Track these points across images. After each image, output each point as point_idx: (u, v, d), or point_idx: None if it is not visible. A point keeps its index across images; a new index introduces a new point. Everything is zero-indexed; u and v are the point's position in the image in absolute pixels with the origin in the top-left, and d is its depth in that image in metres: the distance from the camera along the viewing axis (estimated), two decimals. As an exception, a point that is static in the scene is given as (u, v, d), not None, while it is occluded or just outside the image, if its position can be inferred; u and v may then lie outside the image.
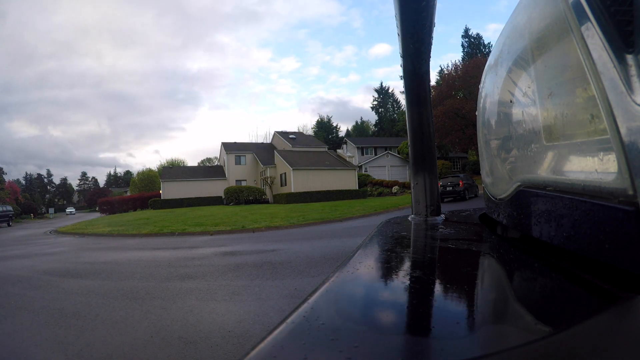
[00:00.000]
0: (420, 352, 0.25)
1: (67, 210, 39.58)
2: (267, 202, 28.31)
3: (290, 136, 36.21)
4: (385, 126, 60.06)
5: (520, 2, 0.51)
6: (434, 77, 40.84)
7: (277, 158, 30.41)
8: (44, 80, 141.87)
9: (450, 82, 36.51)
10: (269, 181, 30.75)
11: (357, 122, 68.36)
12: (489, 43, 46.19)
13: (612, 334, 0.21)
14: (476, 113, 0.79)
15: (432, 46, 0.86)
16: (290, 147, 32.60)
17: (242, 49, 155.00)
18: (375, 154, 41.65)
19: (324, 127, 61.95)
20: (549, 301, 0.33)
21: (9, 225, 26.91)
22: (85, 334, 2.99)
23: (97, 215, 36.00)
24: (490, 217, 0.77)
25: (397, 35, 0.80)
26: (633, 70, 0.27)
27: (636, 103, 0.25)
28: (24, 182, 78.22)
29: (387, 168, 39.15)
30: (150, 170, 49.08)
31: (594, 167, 0.31)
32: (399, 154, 39.83)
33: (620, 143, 0.27)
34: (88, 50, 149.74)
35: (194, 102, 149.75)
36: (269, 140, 42.38)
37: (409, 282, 0.43)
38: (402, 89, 1.11)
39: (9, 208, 28.16)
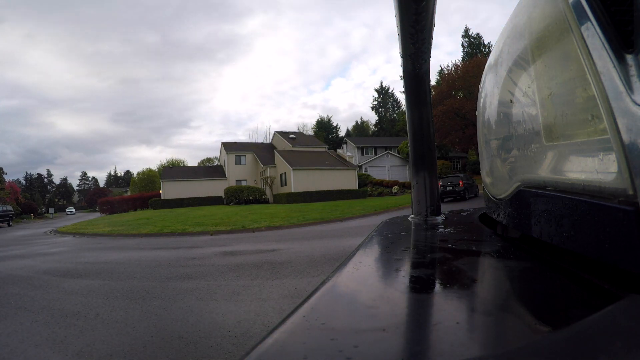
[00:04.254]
0: (420, 352, 0.25)
1: (67, 210, 39.45)
2: (267, 202, 28.30)
3: (291, 136, 36.20)
4: (385, 126, 60.05)
5: (520, 2, 0.51)
6: (434, 77, 40.86)
7: (277, 158, 30.41)
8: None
9: (450, 82, 36.51)
10: (269, 181, 30.74)
11: (357, 122, 68.46)
12: (489, 43, 46.21)
13: (612, 334, 0.21)
14: (476, 113, 0.79)
15: (432, 46, 0.86)
16: (290, 147, 32.59)
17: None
18: (375, 154, 41.64)
19: (324, 127, 61.95)
20: (549, 301, 0.33)
21: (9, 225, 26.89)
22: (85, 334, 2.99)
23: (97, 215, 36.00)
24: (490, 217, 0.77)
25: (397, 35, 0.80)
26: (633, 70, 0.27)
27: (636, 103, 0.25)
28: (24, 182, 78.24)
29: (387, 168, 39.14)
30: (150, 170, 49.08)
31: (594, 167, 0.31)
32: (399, 154, 39.82)
33: (620, 143, 0.27)
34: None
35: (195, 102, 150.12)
36: (269, 140, 42.39)
37: (408, 282, 0.43)
38: (402, 89, 1.11)
39: (9, 208, 28.12)
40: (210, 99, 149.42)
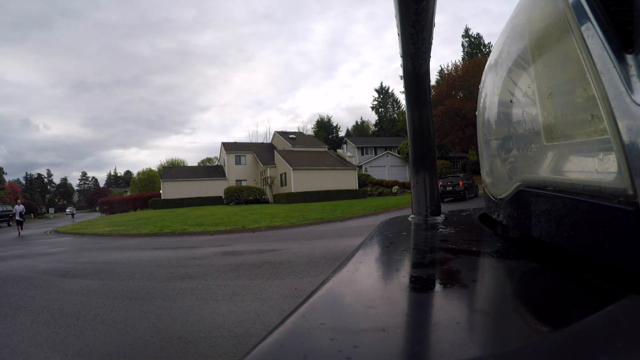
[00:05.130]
0: (420, 352, 0.25)
1: (67, 210, 39.20)
2: (267, 202, 28.30)
3: (291, 136, 36.19)
4: (385, 126, 60.06)
5: (520, 2, 0.51)
6: (434, 77, 40.87)
7: (277, 158, 30.40)
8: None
9: (450, 82, 36.52)
10: (269, 181, 30.73)
11: (357, 122, 68.50)
12: (489, 43, 46.21)
13: (612, 334, 0.21)
14: (476, 113, 0.79)
15: (432, 46, 0.86)
16: (290, 147, 32.59)
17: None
18: (375, 154, 41.63)
19: (324, 127, 61.93)
20: (549, 301, 0.33)
21: (9, 225, 26.85)
22: (85, 334, 2.99)
23: (97, 215, 36.00)
24: (490, 217, 0.77)
25: (397, 35, 0.80)
26: (633, 70, 0.27)
27: (636, 103, 0.25)
28: (24, 182, 78.27)
29: (387, 168, 39.13)
30: (150, 170, 49.08)
31: (594, 167, 0.31)
32: (399, 154, 39.82)
33: (620, 143, 0.27)
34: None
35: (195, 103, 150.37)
36: (269, 140, 42.39)
37: (408, 282, 0.43)
38: (402, 89, 1.11)
39: (9, 208, 28.09)
40: (204, 106, 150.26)
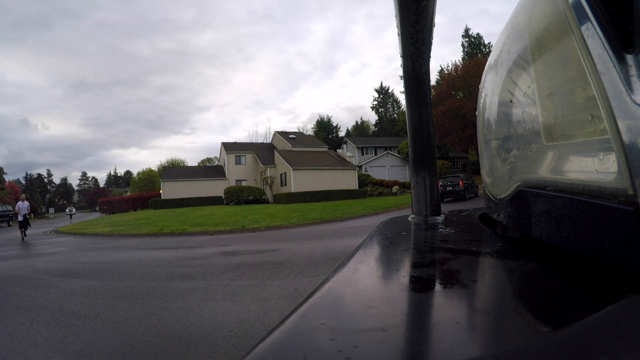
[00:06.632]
0: (420, 352, 0.25)
1: (67, 210, 39.24)
2: (267, 202, 28.29)
3: (291, 136, 36.18)
4: (385, 126, 60.05)
5: (520, 2, 0.51)
6: (434, 77, 40.87)
7: (277, 158, 30.40)
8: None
9: (450, 82, 36.53)
10: (269, 181, 30.74)
11: (357, 122, 68.52)
12: (489, 43, 46.20)
13: (612, 334, 0.21)
14: (476, 113, 0.79)
15: (432, 46, 0.86)
16: (290, 147, 32.58)
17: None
18: (375, 154, 41.62)
19: (324, 127, 61.91)
20: (549, 301, 0.33)
21: (9, 225, 26.85)
22: (85, 334, 2.99)
23: (97, 215, 36.00)
24: (490, 217, 0.77)
25: (397, 35, 0.80)
26: (633, 70, 0.27)
27: (636, 103, 0.25)
28: (24, 182, 78.27)
29: (387, 168, 39.12)
30: (150, 170, 49.07)
31: (594, 167, 0.31)
32: (399, 154, 39.81)
33: (620, 143, 0.27)
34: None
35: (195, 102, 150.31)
36: (269, 140, 42.40)
37: (408, 282, 0.43)
38: (402, 89, 1.11)
39: (9, 208, 28.06)
40: (204, 106, 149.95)
